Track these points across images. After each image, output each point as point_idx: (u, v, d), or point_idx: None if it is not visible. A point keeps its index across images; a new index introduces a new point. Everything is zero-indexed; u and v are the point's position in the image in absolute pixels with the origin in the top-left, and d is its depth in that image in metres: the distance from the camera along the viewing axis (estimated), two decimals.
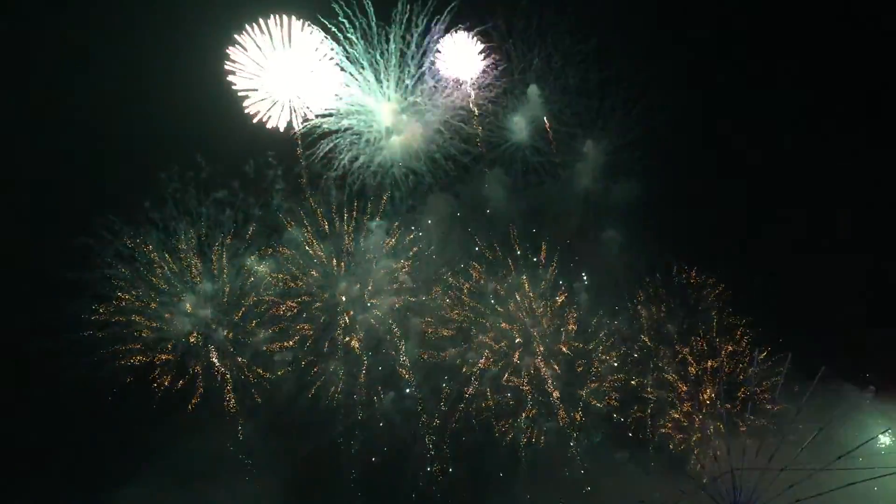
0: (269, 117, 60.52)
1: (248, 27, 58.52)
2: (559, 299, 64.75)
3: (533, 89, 63.74)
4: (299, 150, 63.32)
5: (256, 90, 59.94)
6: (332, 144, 63.83)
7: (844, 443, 49.94)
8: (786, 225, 66.06)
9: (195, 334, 62.90)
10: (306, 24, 59.63)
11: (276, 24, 58.85)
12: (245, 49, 59.04)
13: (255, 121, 60.19)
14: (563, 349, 64.53)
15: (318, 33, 60.28)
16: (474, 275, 65.04)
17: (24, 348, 59.23)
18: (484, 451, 64.17)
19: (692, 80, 65.48)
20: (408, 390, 64.58)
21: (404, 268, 65.31)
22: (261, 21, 58.59)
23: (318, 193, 64.22)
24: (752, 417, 57.01)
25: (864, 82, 64.85)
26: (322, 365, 63.91)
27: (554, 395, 63.94)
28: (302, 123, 61.75)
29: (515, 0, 63.26)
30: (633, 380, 64.50)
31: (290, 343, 63.99)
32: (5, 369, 60.04)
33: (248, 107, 59.91)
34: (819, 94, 65.25)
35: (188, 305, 63.00)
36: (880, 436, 56.83)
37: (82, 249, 60.50)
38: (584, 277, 66.17)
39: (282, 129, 61.01)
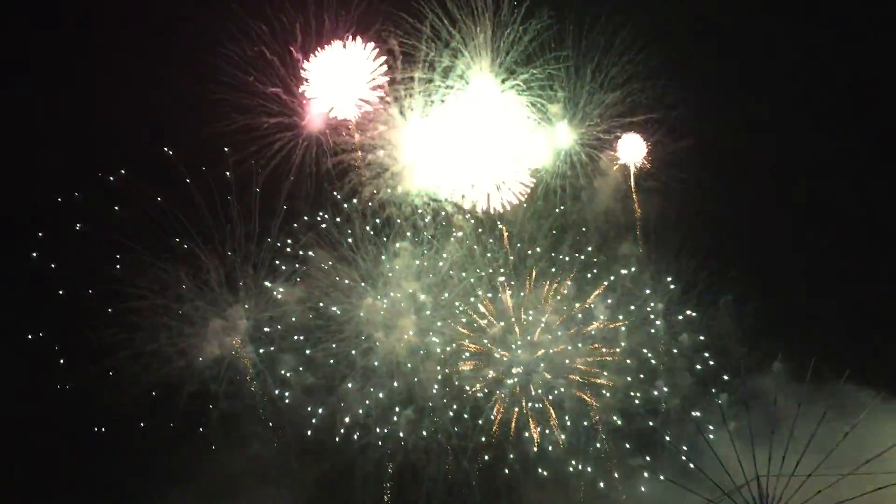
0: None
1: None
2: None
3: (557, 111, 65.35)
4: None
5: None
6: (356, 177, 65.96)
7: (872, 446, 50.01)
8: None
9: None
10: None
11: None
12: None
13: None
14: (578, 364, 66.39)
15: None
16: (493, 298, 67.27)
17: (50, 374, 61.83)
18: (499, 465, 65.39)
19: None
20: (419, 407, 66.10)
21: (423, 289, 67.20)
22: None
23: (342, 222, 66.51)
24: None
25: None
26: (341, 386, 65.74)
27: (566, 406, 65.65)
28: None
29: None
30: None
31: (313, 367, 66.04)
32: (31, 393, 62.17)
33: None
34: None
35: (216, 330, 65.24)
36: None
37: (112, 280, 62.90)
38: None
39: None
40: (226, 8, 62.36)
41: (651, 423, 65.84)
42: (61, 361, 62.36)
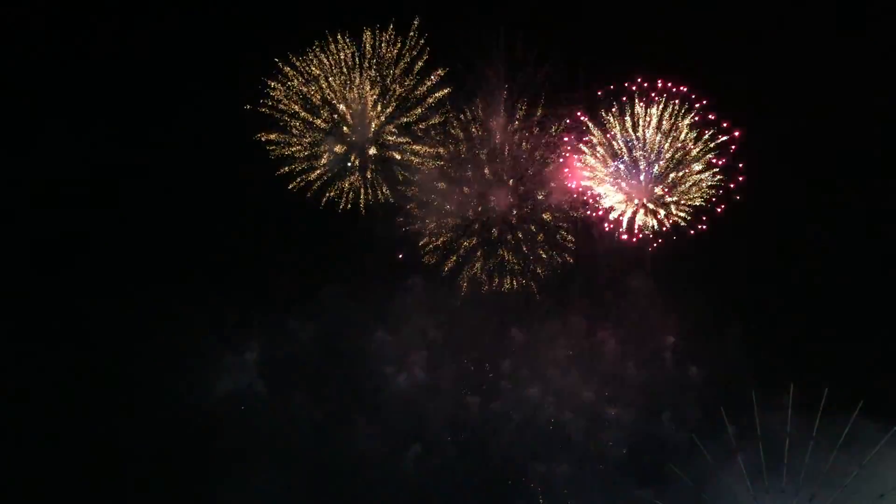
0: None
1: None
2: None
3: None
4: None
5: None
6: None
7: (884, 479, 51.73)
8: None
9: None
10: None
11: None
12: None
13: None
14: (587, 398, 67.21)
15: None
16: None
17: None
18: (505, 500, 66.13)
19: None
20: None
21: (435, 325, 68.29)
22: None
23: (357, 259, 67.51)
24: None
25: None
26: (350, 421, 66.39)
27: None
28: None
29: None
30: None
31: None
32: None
33: None
34: None
35: (229, 365, 66.36)
36: None
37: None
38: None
39: None
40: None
41: (659, 456, 66.28)
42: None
